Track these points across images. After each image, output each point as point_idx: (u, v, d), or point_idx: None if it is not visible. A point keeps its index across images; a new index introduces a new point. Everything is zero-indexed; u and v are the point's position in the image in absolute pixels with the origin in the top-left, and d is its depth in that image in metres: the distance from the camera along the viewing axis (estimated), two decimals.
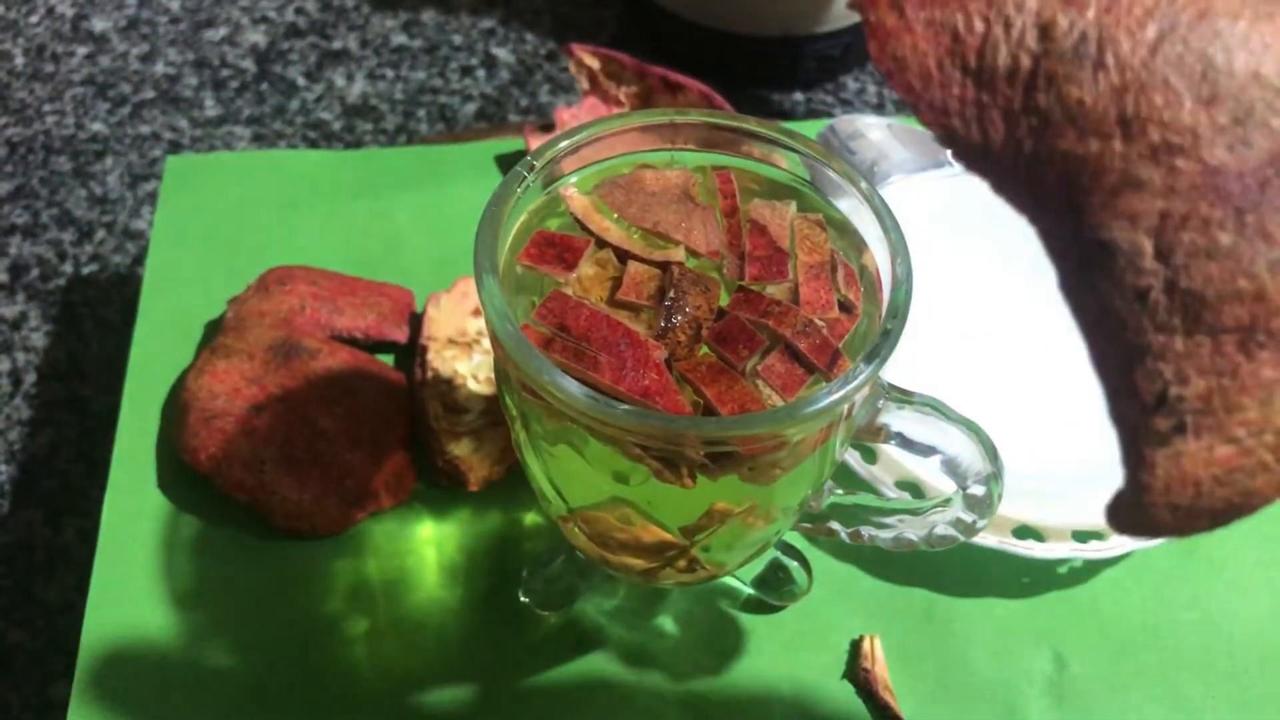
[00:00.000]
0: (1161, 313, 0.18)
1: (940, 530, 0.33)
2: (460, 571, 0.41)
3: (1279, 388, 0.19)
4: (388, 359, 0.46)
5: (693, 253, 0.31)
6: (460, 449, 0.42)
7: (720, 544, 0.32)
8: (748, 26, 0.59)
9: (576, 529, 0.34)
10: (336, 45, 0.65)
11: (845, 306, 0.31)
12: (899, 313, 0.29)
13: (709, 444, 0.28)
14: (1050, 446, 0.40)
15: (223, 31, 0.66)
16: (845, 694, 0.39)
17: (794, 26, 0.59)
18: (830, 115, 0.62)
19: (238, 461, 0.40)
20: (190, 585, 0.40)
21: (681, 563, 0.34)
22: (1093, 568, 0.41)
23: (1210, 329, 0.18)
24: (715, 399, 0.28)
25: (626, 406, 0.27)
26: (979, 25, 0.19)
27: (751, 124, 0.33)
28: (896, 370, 0.32)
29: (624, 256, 0.30)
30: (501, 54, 0.65)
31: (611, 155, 0.33)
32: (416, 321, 0.47)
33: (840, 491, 0.36)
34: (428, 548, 0.41)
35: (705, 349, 0.29)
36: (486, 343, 0.45)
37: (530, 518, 0.42)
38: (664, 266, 0.30)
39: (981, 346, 0.43)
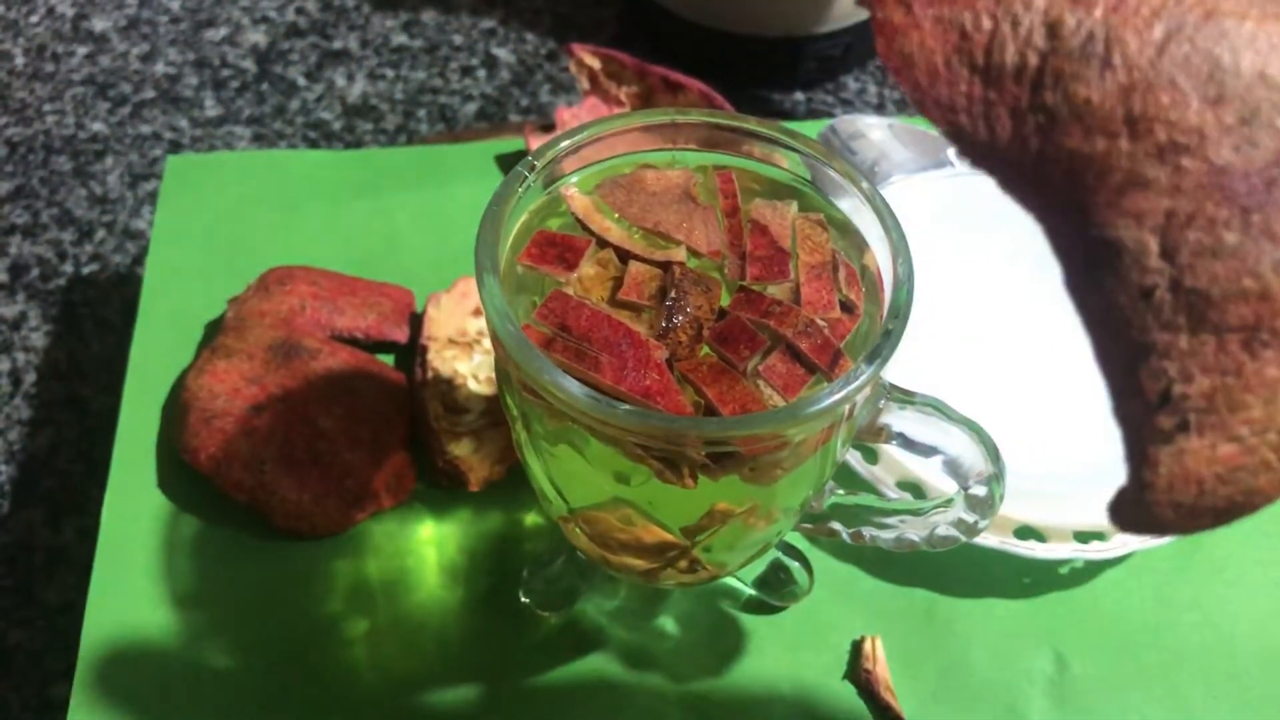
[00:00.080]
0: (1166, 311, 0.18)
1: (942, 531, 0.33)
2: (461, 572, 0.41)
3: None
4: (388, 359, 0.46)
5: (694, 253, 0.31)
6: (460, 449, 0.42)
7: (721, 544, 0.32)
8: (748, 26, 0.59)
9: (577, 529, 0.34)
10: (337, 45, 0.65)
11: (847, 306, 0.30)
12: (900, 313, 0.29)
13: (710, 444, 0.28)
14: (1052, 447, 0.40)
15: (223, 31, 0.65)
16: (846, 695, 0.39)
17: (794, 26, 0.59)
18: (831, 115, 0.62)
19: (238, 461, 0.40)
20: (190, 585, 0.40)
21: (683, 563, 0.33)
22: (1094, 568, 0.41)
23: (1215, 328, 0.18)
24: (716, 399, 0.28)
25: (628, 407, 0.27)
26: (987, 23, 0.19)
27: (752, 124, 0.33)
28: (898, 370, 0.32)
29: (625, 256, 0.30)
30: (502, 54, 0.65)
31: (612, 155, 0.33)
32: (416, 321, 0.47)
33: (841, 492, 0.36)
34: (428, 548, 0.41)
35: (706, 349, 0.29)
36: (487, 343, 0.45)
37: (531, 518, 0.42)
38: (665, 266, 0.30)
39: (983, 347, 0.43)
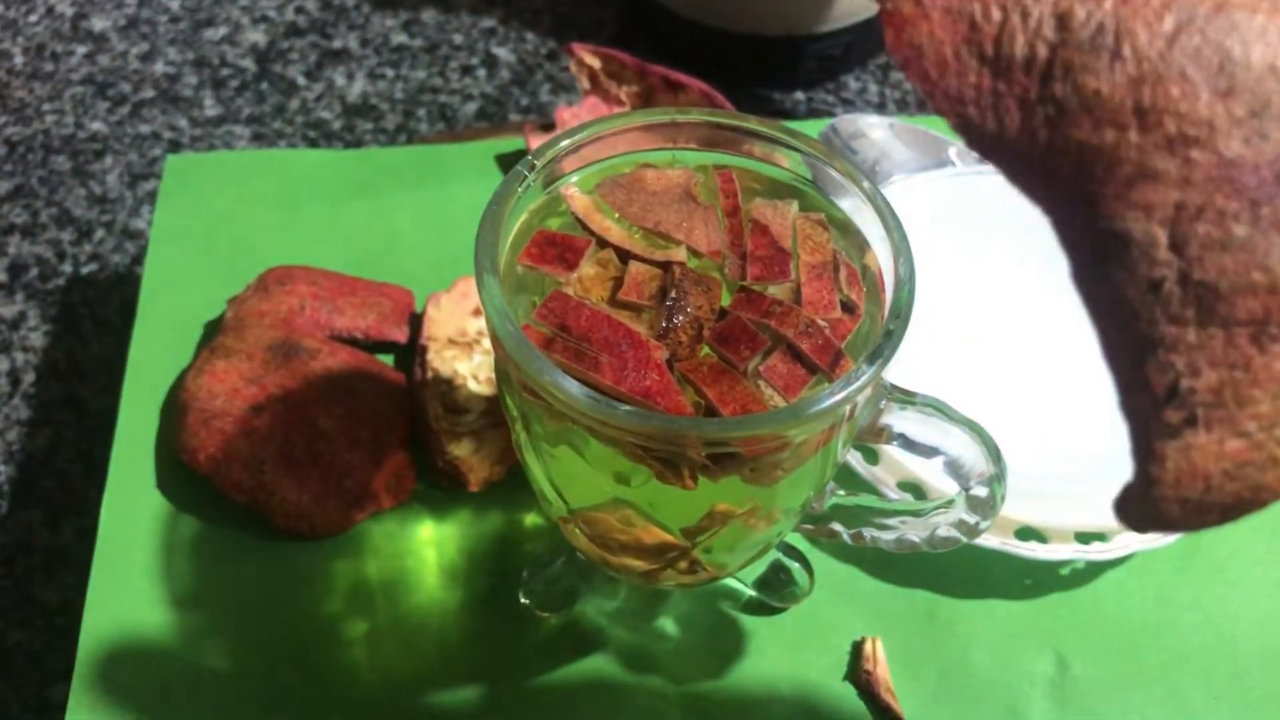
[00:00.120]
0: (1175, 304, 0.18)
1: (943, 532, 0.33)
2: (460, 572, 0.41)
3: None
4: (388, 359, 0.46)
5: (694, 252, 0.31)
6: (460, 449, 0.42)
7: (722, 545, 0.32)
8: (749, 25, 0.59)
9: (577, 530, 0.34)
10: (337, 44, 0.65)
11: (848, 306, 0.30)
12: (901, 313, 0.29)
13: (710, 445, 0.27)
14: (1053, 447, 0.40)
15: (223, 31, 0.65)
16: (847, 696, 0.39)
17: (795, 26, 0.59)
18: (831, 114, 0.62)
19: (237, 462, 0.40)
20: (189, 585, 0.40)
21: (683, 564, 0.33)
22: (1095, 569, 0.41)
23: (1223, 321, 0.18)
24: (717, 400, 0.28)
25: (628, 407, 0.27)
26: (996, 14, 0.19)
27: (753, 123, 0.33)
28: (899, 371, 0.31)
29: (625, 256, 0.30)
30: (502, 53, 0.65)
31: (612, 154, 0.33)
32: (416, 321, 0.46)
33: (842, 493, 0.36)
34: (428, 549, 0.41)
35: (707, 349, 0.29)
36: (487, 343, 0.45)
37: (531, 519, 0.42)
38: (665, 266, 0.30)
39: (984, 347, 0.43)
